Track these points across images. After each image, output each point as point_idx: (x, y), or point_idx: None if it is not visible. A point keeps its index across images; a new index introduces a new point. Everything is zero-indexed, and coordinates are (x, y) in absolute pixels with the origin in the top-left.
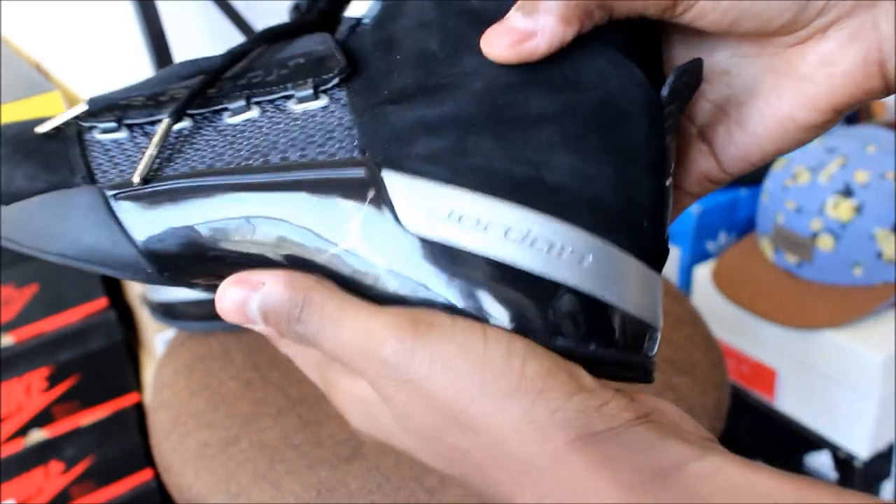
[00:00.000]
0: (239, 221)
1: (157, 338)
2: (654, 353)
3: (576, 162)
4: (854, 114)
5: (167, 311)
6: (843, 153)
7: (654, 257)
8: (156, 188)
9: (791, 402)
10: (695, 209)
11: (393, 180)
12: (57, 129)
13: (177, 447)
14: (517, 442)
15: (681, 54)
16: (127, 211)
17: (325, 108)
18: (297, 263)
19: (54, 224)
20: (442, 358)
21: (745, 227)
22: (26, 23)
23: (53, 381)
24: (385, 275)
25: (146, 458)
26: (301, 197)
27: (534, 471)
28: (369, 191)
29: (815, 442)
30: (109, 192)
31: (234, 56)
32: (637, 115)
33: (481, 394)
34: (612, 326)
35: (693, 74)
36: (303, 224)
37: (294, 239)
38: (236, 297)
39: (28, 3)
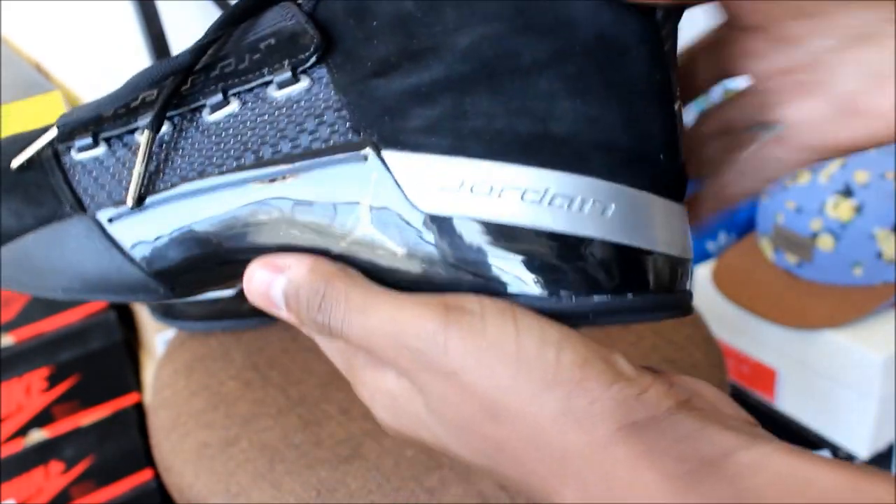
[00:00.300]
0: (242, 220)
1: (157, 338)
2: (688, 286)
3: (579, 106)
4: None
5: (167, 311)
6: None
7: (675, 189)
8: (150, 206)
9: (791, 402)
10: None
11: (395, 159)
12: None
13: (177, 447)
14: (556, 433)
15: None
16: (124, 233)
17: (307, 90)
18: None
19: (54, 260)
20: (475, 351)
21: (745, 227)
22: (26, 23)
23: (53, 381)
24: (405, 258)
25: (146, 458)
26: (303, 190)
27: (575, 462)
28: (373, 173)
29: (815, 442)
30: (103, 218)
31: (201, 49)
32: (636, 45)
33: (517, 387)
34: (645, 271)
35: None
36: (310, 217)
37: (304, 233)
38: (262, 279)
39: (28, 3)
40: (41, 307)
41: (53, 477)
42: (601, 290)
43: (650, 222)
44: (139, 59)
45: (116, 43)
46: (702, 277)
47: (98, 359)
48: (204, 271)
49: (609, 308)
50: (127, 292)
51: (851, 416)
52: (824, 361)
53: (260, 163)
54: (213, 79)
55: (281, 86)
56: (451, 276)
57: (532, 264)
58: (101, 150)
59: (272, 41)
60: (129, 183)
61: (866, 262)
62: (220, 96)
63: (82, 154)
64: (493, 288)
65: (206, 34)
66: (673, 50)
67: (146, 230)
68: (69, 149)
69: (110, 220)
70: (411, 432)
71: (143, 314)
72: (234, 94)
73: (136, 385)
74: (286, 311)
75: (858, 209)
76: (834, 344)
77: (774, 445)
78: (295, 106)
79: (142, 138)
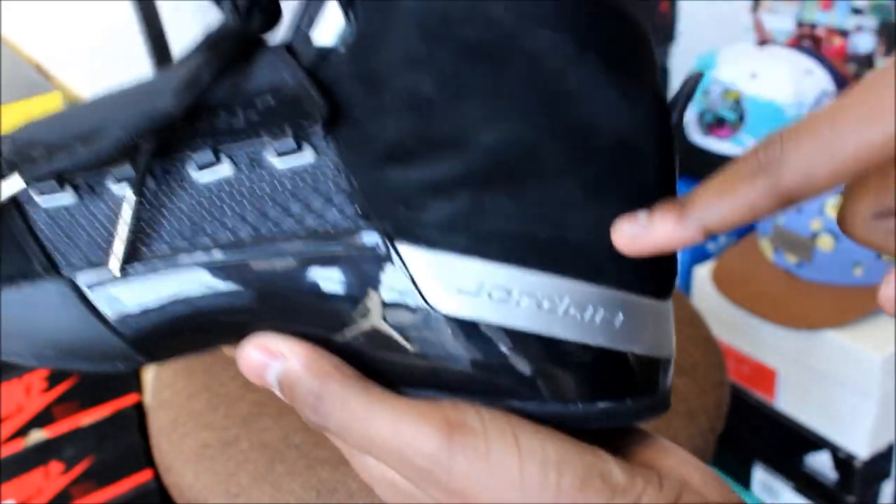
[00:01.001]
0: (237, 297)
1: None
2: (668, 382)
3: (596, 214)
4: None
5: None
6: None
7: (669, 289)
8: (136, 274)
9: (791, 402)
10: None
11: (411, 254)
12: None
13: (177, 447)
14: None
15: None
16: (105, 301)
17: (312, 164)
18: (308, 339)
19: (23, 324)
20: (479, 474)
21: (745, 227)
22: (26, 23)
23: (53, 381)
24: (415, 356)
25: (146, 458)
26: (308, 274)
27: None
28: (386, 267)
29: (815, 442)
30: (81, 283)
31: (190, 101)
32: (652, 150)
33: None
34: (643, 376)
35: (694, 87)
36: (313, 304)
37: (305, 317)
38: (255, 361)
39: (28, 3)
40: None
41: (53, 477)
42: (605, 397)
43: (649, 328)
44: (139, 59)
45: (116, 43)
46: (702, 277)
47: None
48: (189, 342)
49: (611, 413)
50: (104, 361)
51: (851, 416)
52: (824, 361)
53: (259, 239)
54: (200, 131)
55: (282, 154)
56: (461, 378)
57: (543, 370)
58: (69, 197)
59: (270, 100)
60: (107, 244)
61: (866, 262)
62: (209, 154)
63: (48, 201)
64: (501, 391)
65: (195, 81)
66: (679, 145)
67: (131, 300)
68: (30, 192)
69: (89, 286)
70: None
71: None
72: (227, 155)
73: (136, 385)
74: (281, 394)
75: None
76: (834, 344)
77: None
78: (299, 180)
79: (125, 202)
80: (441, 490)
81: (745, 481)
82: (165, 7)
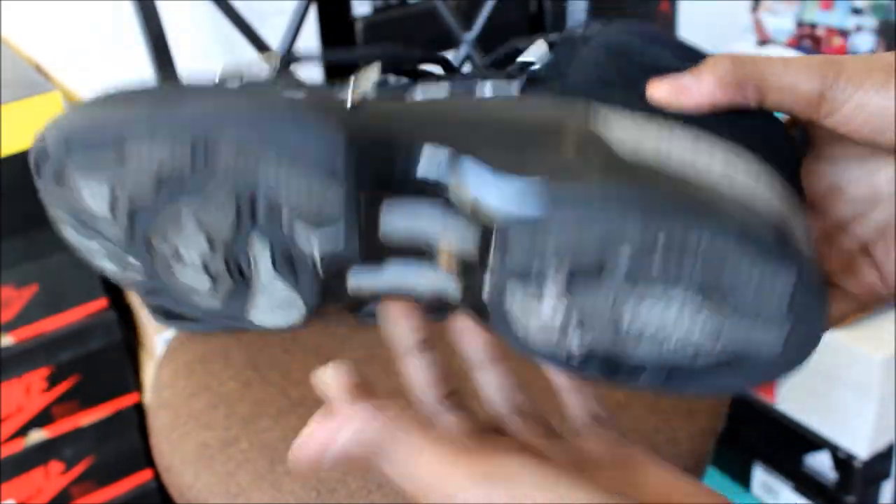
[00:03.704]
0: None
1: (157, 338)
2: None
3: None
4: None
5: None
6: None
7: None
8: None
9: (791, 402)
10: None
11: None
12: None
13: (177, 447)
14: None
15: (843, 172)
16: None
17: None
18: None
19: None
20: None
21: None
22: (26, 23)
23: (53, 381)
24: None
25: (146, 458)
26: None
27: None
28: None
29: (815, 442)
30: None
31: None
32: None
33: None
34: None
35: None
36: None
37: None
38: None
39: (28, 3)
40: (41, 307)
41: (53, 477)
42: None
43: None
44: (139, 59)
45: (116, 43)
46: None
47: (98, 359)
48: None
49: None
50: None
51: (851, 416)
52: (824, 361)
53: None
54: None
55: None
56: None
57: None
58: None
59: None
60: None
61: None
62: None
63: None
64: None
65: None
66: None
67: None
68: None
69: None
70: None
71: (143, 314)
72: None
73: (136, 385)
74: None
75: None
76: (834, 344)
77: None
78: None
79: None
80: None
81: (745, 481)
82: (165, 7)
